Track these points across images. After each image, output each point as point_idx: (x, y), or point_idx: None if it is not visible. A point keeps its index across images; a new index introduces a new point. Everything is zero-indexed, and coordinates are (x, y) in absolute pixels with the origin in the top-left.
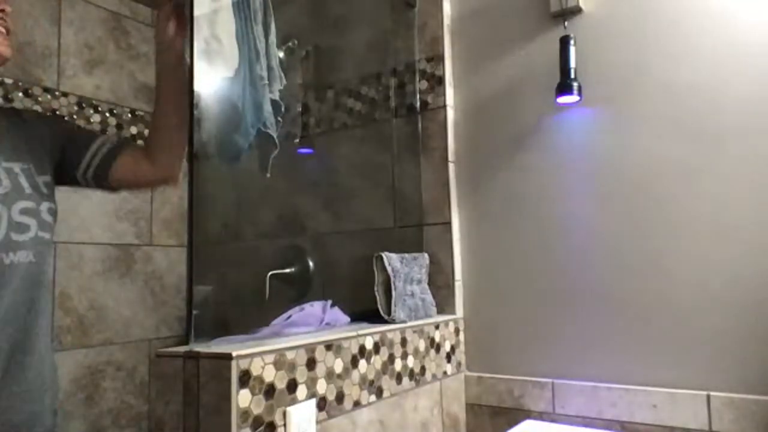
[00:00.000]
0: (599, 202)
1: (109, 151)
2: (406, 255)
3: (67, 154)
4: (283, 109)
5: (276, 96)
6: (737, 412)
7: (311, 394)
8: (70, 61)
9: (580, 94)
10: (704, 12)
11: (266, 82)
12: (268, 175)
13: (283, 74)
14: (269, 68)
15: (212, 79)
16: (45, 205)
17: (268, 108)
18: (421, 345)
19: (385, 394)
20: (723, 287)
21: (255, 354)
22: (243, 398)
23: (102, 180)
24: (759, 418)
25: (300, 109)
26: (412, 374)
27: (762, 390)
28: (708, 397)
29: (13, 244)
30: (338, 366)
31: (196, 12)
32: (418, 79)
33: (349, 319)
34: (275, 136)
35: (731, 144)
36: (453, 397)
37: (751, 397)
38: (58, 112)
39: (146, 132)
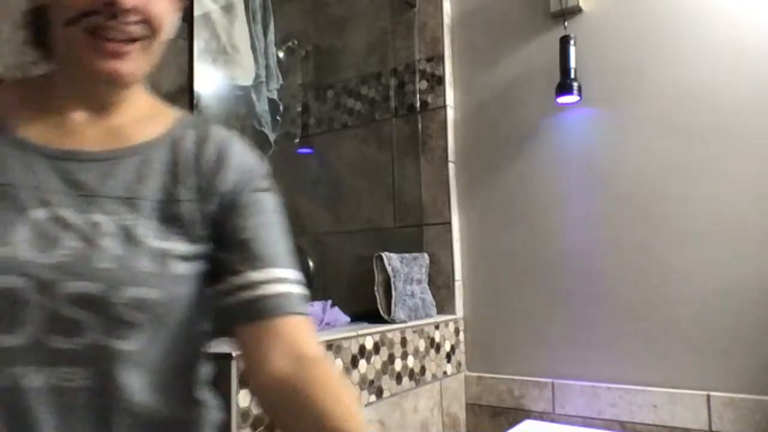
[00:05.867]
0: (599, 201)
1: (263, 306)
2: (406, 255)
3: (220, 254)
4: (281, 107)
5: (274, 95)
6: (737, 412)
7: None
8: None
9: (580, 94)
10: (704, 12)
11: (263, 80)
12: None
13: (280, 73)
14: (266, 67)
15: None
16: None
17: (263, 107)
18: (421, 345)
19: (385, 394)
20: (723, 287)
21: None
22: (243, 398)
23: (223, 323)
24: (759, 418)
25: (300, 109)
26: (412, 374)
27: (762, 390)
28: (708, 397)
29: None
30: (338, 366)
31: (197, 12)
32: (418, 79)
33: (349, 319)
34: (269, 135)
35: (731, 144)
36: (453, 397)
37: (751, 397)
38: None
39: None
